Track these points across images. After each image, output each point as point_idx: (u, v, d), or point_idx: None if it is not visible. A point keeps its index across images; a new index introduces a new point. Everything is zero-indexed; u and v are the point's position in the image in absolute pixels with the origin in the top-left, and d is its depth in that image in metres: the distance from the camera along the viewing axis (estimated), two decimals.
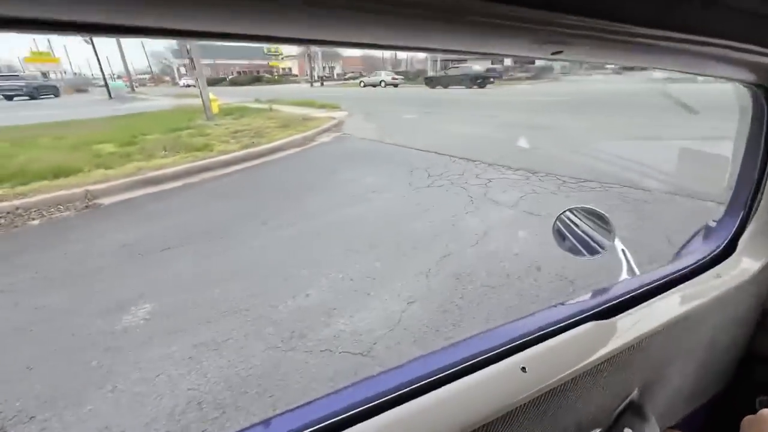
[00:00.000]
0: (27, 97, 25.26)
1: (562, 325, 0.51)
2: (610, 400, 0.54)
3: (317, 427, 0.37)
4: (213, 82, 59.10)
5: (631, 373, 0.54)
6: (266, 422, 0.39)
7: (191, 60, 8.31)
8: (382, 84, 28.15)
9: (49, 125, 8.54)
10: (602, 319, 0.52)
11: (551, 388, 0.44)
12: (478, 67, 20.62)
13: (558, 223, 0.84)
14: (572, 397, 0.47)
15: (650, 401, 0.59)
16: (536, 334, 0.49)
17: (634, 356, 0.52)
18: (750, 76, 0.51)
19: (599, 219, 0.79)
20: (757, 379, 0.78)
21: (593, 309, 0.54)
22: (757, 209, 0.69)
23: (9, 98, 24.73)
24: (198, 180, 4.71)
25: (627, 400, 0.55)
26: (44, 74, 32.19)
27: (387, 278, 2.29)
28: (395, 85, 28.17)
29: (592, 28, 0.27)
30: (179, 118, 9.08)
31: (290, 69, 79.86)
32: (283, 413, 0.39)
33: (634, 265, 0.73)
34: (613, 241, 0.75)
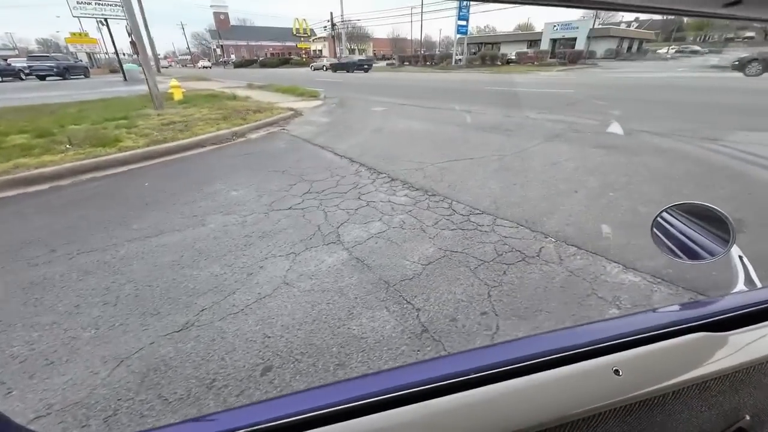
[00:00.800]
0: (59, 77, 26.52)
1: (664, 331, 0.46)
2: (714, 421, 0.49)
3: (415, 390, 0.37)
4: (245, 64, 60.03)
5: (743, 396, 0.49)
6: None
7: (133, 44, 7.81)
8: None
9: (7, 110, 8.46)
10: (713, 331, 0.47)
11: (647, 397, 0.40)
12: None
13: (659, 220, 0.73)
14: (670, 410, 0.44)
15: (760, 428, 0.53)
16: (633, 337, 0.45)
17: (750, 378, 0.47)
18: None
19: (712, 218, 0.67)
20: None
21: (703, 319, 0.49)
22: None
23: (41, 78, 26.09)
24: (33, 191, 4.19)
25: (734, 427, 0.49)
26: (74, 55, 33.68)
27: None
28: (364, 68, 30.17)
29: None
30: (131, 105, 8.70)
31: (320, 51, 79.39)
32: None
33: (754, 276, 0.64)
34: (730, 246, 0.64)
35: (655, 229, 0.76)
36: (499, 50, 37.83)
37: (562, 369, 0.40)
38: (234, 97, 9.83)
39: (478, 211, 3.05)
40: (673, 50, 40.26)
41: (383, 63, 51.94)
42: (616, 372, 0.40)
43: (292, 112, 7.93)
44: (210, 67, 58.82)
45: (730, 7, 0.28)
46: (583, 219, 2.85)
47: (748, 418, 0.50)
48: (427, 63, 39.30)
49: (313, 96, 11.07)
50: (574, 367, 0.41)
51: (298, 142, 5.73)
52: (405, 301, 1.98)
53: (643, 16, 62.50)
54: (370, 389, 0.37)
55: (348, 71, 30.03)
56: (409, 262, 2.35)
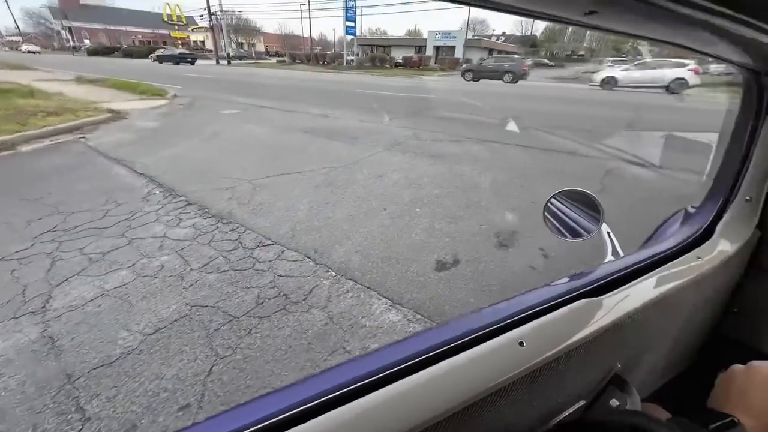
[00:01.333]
0: None
1: (557, 301, 0.52)
2: (595, 374, 0.56)
3: (325, 398, 0.36)
4: (102, 52, 49.27)
5: (615, 348, 0.57)
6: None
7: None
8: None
9: None
10: (592, 297, 0.54)
11: (546, 362, 0.45)
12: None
13: (549, 205, 0.84)
14: (563, 370, 0.49)
15: (630, 375, 0.62)
16: (533, 310, 0.50)
17: (620, 333, 0.55)
18: (748, 60, 0.56)
19: (588, 202, 0.78)
20: (722, 357, 0.82)
21: (584, 287, 0.56)
22: (736, 195, 0.74)
23: None
24: None
25: (611, 375, 0.57)
26: None
27: None
28: (188, 61, 29.80)
29: None
30: None
31: (203, 42, 70.90)
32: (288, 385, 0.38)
33: (618, 247, 0.75)
34: (600, 224, 0.75)
35: (546, 213, 0.84)
36: (389, 53, 39.17)
37: (474, 349, 0.43)
38: (31, 94, 7.60)
39: (268, 242, 2.61)
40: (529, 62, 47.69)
41: (274, 60, 49.13)
42: (521, 344, 0.44)
43: (109, 115, 6.44)
44: (38, 53, 46.16)
45: (590, 16, 0.34)
46: (376, 243, 2.64)
47: (619, 365, 0.59)
48: (320, 62, 38.36)
49: (158, 95, 9.38)
50: (485, 345, 0.44)
51: (90, 156, 4.52)
52: (74, 409, 1.39)
53: (508, 32, 72.41)
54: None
55: (176, 63, 29.45)
56: (127, 333, 1.75)
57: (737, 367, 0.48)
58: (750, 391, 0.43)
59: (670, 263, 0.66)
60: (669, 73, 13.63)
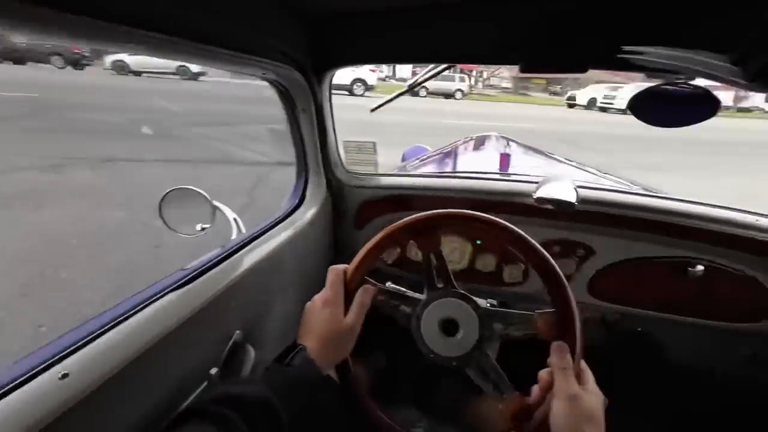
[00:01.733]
0: None
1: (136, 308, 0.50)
2: (216, 344, 0.60)
3: None
4: None
5: (229, 318, 0.62)
6: None
7: None
8: None
9: None
10: (187, 284, 0.56)
11: (134, 358, 0.44)
12: None
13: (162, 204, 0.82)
14: (171, 351, 0.50)
15: (252, 338, 0.67)
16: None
17: (228, 303, 0.60)
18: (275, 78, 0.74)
19: (197, 197, 0.80)
20: None
21: (186, 276, 0.58)
22: (308, 167, 0.94)
23: None
24: None
25: (231, 343, 0.62)
26: None
27: None
28: None
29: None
30: None
31: None
32: None
33: (243, 227, 0.81)
34: (214, 214, 0.78)
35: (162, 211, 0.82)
36: None
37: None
38: None
39: None
40: None
41: None
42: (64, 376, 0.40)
43: None
44: None
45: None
46: None
47: (239, 332, 0.63)
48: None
49: None
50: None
51: None
52: None
53: None
54: None
55: None
56: None
57: (308, 303, 0.56)
58: (307, 319, 0.55)
59: (272, 230, 0.78)
60: None
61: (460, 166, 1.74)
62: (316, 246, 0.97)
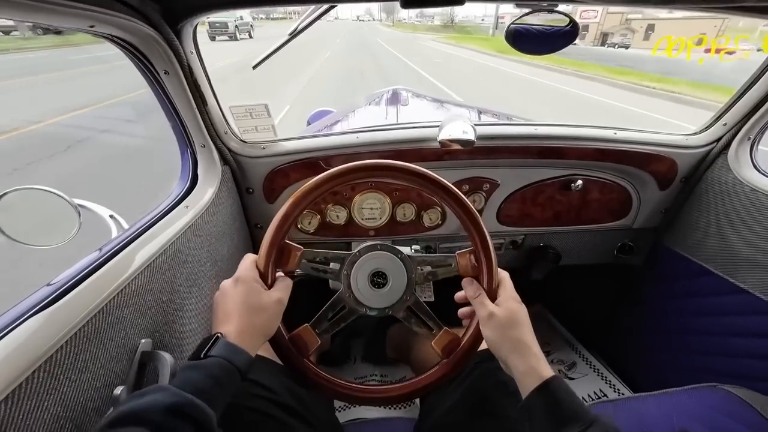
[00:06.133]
0: None
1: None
2: (117, 362, 0.51)
3: None
4: None
5: (126, 328, 0.53)
6: None
7: None
8: None
9: None
10: (65, 295, 0.47)
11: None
12: None
13: None
14: (58, 377, 0.41)
15: (165, 343, 0.61)
16: None
17: (120, 312, 0.52)
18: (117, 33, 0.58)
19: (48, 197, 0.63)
20: None
21: (51, 294, 0.47)
22: (193, 146, 0.82)
23: None
24: None
25: (138, 353, 0.54)
26: None
27: None
28: None
29: None
30: None
31: None
32: None
33: (124, 223, 0.71)
34: (78, 215, 0.63)
35: None
36: None
37: None
38: None
39: None
40: None
41: None
42: None
43: None
44: None
45: None
46: None
47: (144, 340, 0.56)
48: None
49: None
50: None
51: None
52: None
53: None
54: None
55: None
56: None
57: (216, 292, 0.53)
58: (218, 306, 0.50)
59: (163, 220, 0.69)
60: None
61: (366, 122, 1.72)
62: (224, 229, 0.87)
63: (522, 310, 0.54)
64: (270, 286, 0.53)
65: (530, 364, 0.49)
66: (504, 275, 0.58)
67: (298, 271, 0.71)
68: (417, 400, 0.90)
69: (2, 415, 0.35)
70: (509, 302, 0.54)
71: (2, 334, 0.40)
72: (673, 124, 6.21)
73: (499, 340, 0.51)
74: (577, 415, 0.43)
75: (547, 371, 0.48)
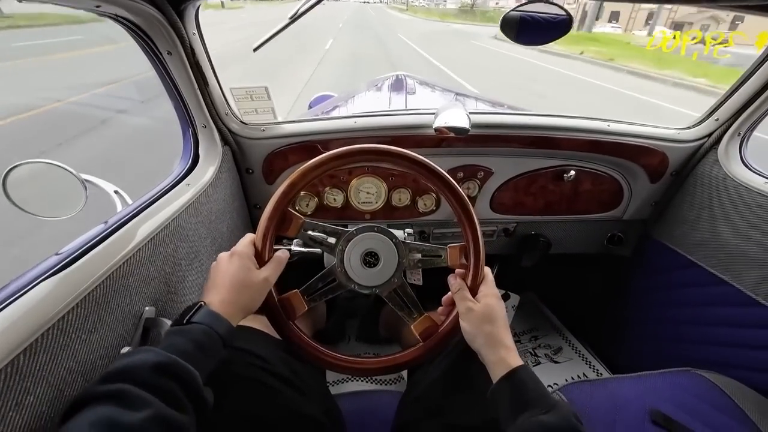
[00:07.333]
0: None
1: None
2: (123, 325, 0.55)
3: None
4: None
5: (131, 295, 0.56)
6: None
7: None
8: None
9: None
10: (73, 263, 0.50)
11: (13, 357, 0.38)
12: None
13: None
14: (70, 335, 0.45)
15: (168, 311, 0.65)
16: None
17: (126, 281, 0.55)
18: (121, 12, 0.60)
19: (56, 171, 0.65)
20: None
21: (61, 262, 0.50)
22: (195, 125, 0.84)
23: None
24: None
25: (142, 319, 0.58)
26: None
27: None
28: None
29: None
30: None
31: None
32: None
33: (128, 199, 0.75)
34: (84, 189, 0.66)
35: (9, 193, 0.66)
36: None
37: None
38: None
39: None
40: None
41: None
42: None
43: None
44: None
45: None
46: None
47: (152, 307, 0.60)
48: None
49: None
50: None
51: None
52: None
53: None
54: None
55: None
56: None
57: (213, 263, 0.55)
58: (212, 276, 0.53)
59: (165, 196, 0.71)
60: None
61: (366, 107, 1.72)
62: (224, 207, 0.90)
63: (499, 306, 0.58)
64: (263, 265, 0.55)
65: (500, 355, 0.53)
66: (486, 271, 0.61)
67: (295, 249, 0.75)
68: (405, 376, 0.94)
69: (22, 365, 0.39)
70: (488, 298, 0.58)
71: (18, 294, 0.44)
72: None
73: (474, 333, 0.55)
74: (539, 401, 0.47)
75: (516, 361, 0.52)
